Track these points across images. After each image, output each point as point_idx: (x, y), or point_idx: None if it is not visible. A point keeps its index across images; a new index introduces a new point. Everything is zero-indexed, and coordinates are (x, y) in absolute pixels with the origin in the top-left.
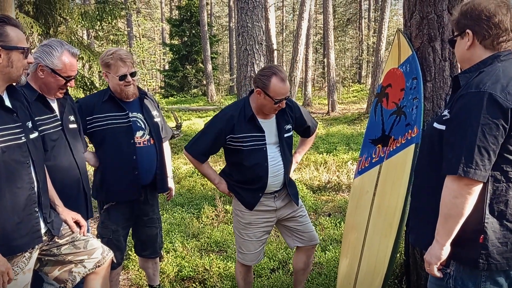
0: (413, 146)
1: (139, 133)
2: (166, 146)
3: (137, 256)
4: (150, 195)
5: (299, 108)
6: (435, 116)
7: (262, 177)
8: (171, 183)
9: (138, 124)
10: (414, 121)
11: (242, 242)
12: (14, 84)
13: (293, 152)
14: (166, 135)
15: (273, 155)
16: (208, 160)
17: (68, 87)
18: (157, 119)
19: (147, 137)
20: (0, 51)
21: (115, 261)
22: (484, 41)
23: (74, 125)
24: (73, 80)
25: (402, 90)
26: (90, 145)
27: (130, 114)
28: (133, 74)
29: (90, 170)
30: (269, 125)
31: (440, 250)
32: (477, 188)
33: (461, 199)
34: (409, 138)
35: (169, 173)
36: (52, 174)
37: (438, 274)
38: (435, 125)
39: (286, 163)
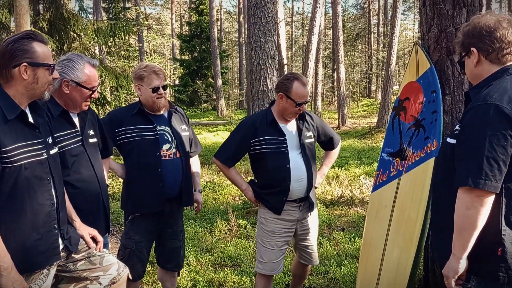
0: (433, 159)
1: (165, 146)
2: (196, 159)
3: (152, 269)
4: (175, 208)
5: (318, 118)
6: (450, 131)
7: (284, 178)
8: (199, 196)
9: (166, 137)
10: (434, 135)
11: (264, 251)
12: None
13: (318, 165)
14: (195, 149)
15: (295, 159)
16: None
17: (91, 99)
18: (185, 133)
19: (174, 150)
20: (26, 68)
21: (130, 277)
22: (489, 56)
23: (94, 140)
24: (96, 91)
25: (420, 104)
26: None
27: (158, 127)
28: (165, 87)
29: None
30: (289, 130)
31: (457, 264)
32: (489, 199)
33: (473, 211)
34: (428, 151)
35: (198, 186)
36: (73, 189)
37: None
38: (448, 139)
39: (309, 170)
